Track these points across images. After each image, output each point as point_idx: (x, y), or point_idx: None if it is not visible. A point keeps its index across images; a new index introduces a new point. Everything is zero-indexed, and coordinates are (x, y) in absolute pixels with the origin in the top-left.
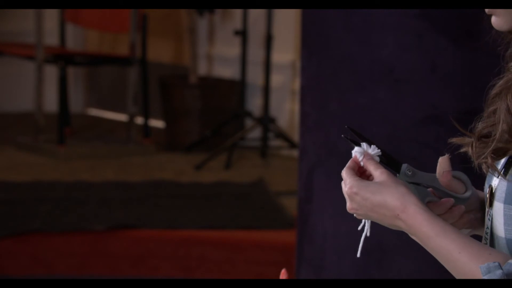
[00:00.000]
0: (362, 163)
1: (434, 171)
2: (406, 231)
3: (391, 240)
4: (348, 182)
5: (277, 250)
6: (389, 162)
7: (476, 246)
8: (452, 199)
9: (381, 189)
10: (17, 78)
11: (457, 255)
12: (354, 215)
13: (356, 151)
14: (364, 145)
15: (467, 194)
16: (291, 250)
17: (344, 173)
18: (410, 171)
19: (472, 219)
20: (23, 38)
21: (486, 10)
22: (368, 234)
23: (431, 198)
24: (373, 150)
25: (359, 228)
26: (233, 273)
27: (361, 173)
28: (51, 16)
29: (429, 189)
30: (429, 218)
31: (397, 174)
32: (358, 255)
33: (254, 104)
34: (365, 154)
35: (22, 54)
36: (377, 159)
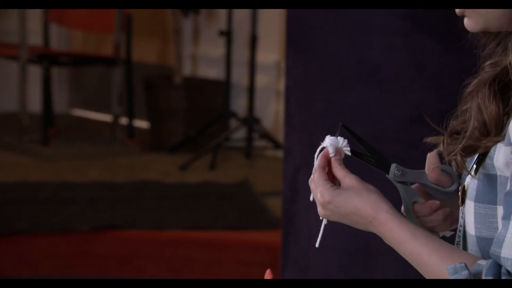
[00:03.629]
0: (331, 160)
1: (420, 170)
2: (380, 236)
3: (377, 240)
4: (319, 190)
5: (263, 250)
6: (378, 163)
7: (446, 249)
8: (437, 202)
9: (353, 197)
10: (0, 78)
11: (427, 258)
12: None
13: (330, 145)
14: (338, 139)
15: (453, 188)
16: (276, 250)
17: (316, 174)
18: (399, 171)
19: (456, 220)
20: (7, 38)
21: (457, 11)
22: (325, 222)
23: (418, 199)
24: (344, 145)
25: (321, 218)
26: (219, 274)
27: (330, 168)
28: (35, 16)
29: (417, 185)
30: (399, 224)
31: (387, 175)
32: (317, 245)
33: (239, 104)
34: (337, 151)
35: (5, 54)
36: (344, 154)
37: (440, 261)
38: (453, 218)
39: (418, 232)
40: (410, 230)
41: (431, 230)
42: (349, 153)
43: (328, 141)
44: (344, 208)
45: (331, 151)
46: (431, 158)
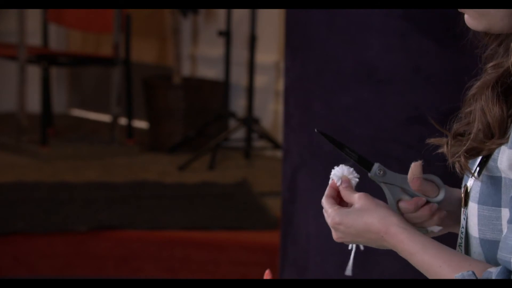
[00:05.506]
0: (340, 187)
1: None
2: (394, 250)
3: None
4: (329, 213)
5: (261, 250)
6: (360, 159)
7: (456, 259)
8: (423, 198)
9: (362, 214)
10: None
11: (438, 269)
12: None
13: (334, 175)
14: (343, 168)
15: (439, 197)
16: (275, 250)
17: (324, 203)
18: (381, 171)
19: (443, 217)
20: (5, 38)
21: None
22: (362, 248)
23: (403, 197)
24: (351, 174)
25: (350, 247)
26: (217, 274)
27: (341, 197)
28: (33, 16)
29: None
30: (409, 236)
31: (368, 173)
32: (347, 273)
33: (238, 104)
34: (343, 179)
35: (4, 54)
36: (355, 182)
37: (450, 272)
38: (441, 214)
39: (429, 243)
40: (421, 241)
41: (419, 226)
42: (358, 180)
43: (333, 172)
44: (355, 227)
45: (336, 180)
46: (413, 168)
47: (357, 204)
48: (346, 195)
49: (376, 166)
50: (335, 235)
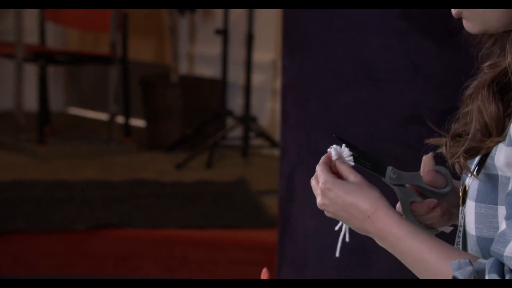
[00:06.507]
0: (334, 162)
1: (417, 170)
2: (373, 236)
3: (374, 240)
4: (322, 178)
5: (259, 249)
6: (374, 167)
7: (446, 247)
8: (435, 200)
9: (355, 190)
10: None
11: (427, 255)
12: (324, 212)
13: (333, 149)
14: (343, 147)
15: (447, 189)
16: (272, 249)
17: (319, 168)
18: (394, 174)
19: (452, 215)
20: (3, 36)
21: (453, 13)
22: (347, 238)
23: (415, 198)
24: (347, 154)
25: (336, 228)
26: (215, 273)
27: (334, 171)
28: (31, 14)
29: (411, 185)
30: (399, 220)
31: (383, 178)
32: (337, 254)
33: (235, 103)
34: (340, 156)
35: (1, 53)
36: (350, 163)
37: (440, 258)
38: (450, 213)
39: (418, 230)
40: (410, 227)
41: (430, 227)
42: (352, 163)
43: (334, 147)
44: (343, 199)
45: (333, 154)
46: (426, 160)
47: (352, 179)
48: (342, 168)
49: (389, 170)
50: (320, 201)
